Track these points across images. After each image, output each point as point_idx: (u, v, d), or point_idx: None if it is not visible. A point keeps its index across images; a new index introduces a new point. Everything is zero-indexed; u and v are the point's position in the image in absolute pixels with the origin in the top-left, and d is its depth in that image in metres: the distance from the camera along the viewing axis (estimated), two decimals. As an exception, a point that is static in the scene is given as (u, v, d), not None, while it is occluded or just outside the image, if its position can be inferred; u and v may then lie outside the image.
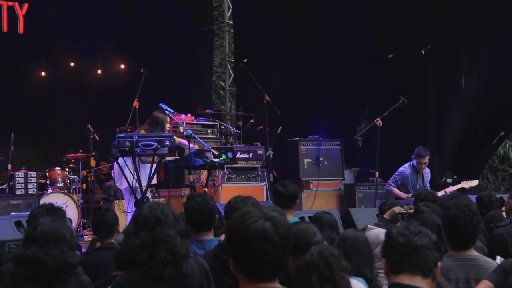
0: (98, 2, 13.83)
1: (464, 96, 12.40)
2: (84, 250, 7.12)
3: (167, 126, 8.97)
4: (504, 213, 5.96)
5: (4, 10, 13.04)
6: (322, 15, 13.11)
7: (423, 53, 11.81)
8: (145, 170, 8.16)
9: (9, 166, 10.96)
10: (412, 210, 5.83)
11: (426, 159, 9.82)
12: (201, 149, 9.01)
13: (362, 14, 12.62)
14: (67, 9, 13.46)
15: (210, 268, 3.88)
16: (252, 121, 12.44)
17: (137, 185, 7.99)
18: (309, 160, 11.77)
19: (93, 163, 11.31)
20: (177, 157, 9.20)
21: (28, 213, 7.39)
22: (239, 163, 10.66)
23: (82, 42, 13.72)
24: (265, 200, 10.43)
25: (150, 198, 8.53)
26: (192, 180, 8.77)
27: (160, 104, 8.93)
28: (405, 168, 9.89)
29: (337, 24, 12.93)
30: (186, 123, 10.87)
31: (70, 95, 13.66)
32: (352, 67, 13.14)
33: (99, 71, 14.70)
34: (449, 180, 11.52)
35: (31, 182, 10.61)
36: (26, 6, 13.18)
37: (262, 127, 11.81)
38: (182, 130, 10.68)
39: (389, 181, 10.00)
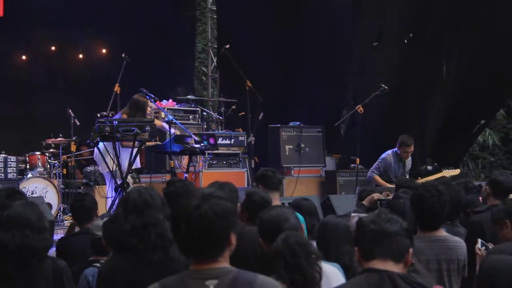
0: (80, -14, 13.73)
1: (445, 83, 12.44)
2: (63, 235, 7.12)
3: (148, 109, 8.97)
4: (481, 199, 6.00)
5: (-16, -8, 12.90)
6: (306, 2, 13.08)
7: (406, 41, 11.83)
8: (126, 155, 8.14)
9: (-11, 151, 10.89)
10: (391, 197, 5.87)
11: (411, 148, 9.79)
12: (181, 135, 9.01)
13: (347, 1, 12.62)
14: (48, -9, 13.34)
15: None
16: (234, 107, 12.43)
17: (118, 170, 7.98)
18: (291, 146, 11.78)
19: (73, 148, 11.24)
20: (158, 143, 9.17)
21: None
22: (220, 149, 10.66)
23: (63, 26, 13.60)
24: (246, 186, 10.45)
25: (131, 183, 8.52)
26: (172, 166, 8.75)
27: (141, 89, 8.91)
28: (388, 155, 9.84)
29: (321, 10, 12.90)
30: (168, 109, 10.84)
31: (51, 79, 13.59)
32: (335, 53, 13.13)
33: (80, 56, 14.61)
34: (429, 167, 11.59)
35: (11, 167, 10.53)
36: (6, -12, 13.04)
37: (244, 113, 11.80)
38: (163, 116, 10.65)
39: (371, 168, 9.94)
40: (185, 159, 9.94)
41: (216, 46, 15.46)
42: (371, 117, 11.13)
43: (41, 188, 10.48)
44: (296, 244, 3.24)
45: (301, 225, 3.62)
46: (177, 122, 9.35)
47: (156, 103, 9.90)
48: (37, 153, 11.06)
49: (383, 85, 10.36)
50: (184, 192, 4.47)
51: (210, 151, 9.53)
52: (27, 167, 10.90)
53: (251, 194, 4.77)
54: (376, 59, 12.23)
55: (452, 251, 4.23)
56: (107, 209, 8.22)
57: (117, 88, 10.43)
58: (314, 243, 3.90)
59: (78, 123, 11.30)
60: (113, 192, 8.23)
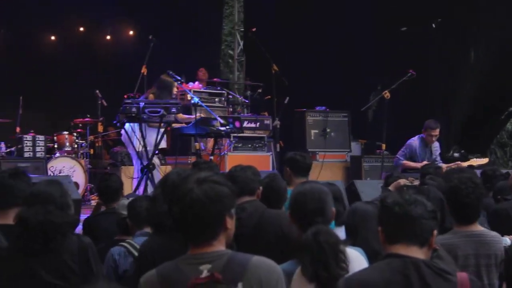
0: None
1: (473, 70, 12.32)
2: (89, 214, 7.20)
3: (174, 90, 9.01)
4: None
5: (12, -26, 13.02)
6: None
7: (433, 26, 11.72)
8: (153, 135, 8.18)
9: (18, 129, 11.00)
10: (417, 183, 5.84)
11: (437, 131, 9.72)
12: (207, 117, 9.03)
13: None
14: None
15: None
16: (260, 90, 12.42)
17: (144, 151, 8.03)
18: (316, 131, 11.77)
19: (100, 128, 11.34)
20: (183, 125, 9.21)
21: (36, 176, 7.47)
22: (245, 133, 10.67)
23: (91, 7, 13.68)
24: (271, 169, 10.46)
25: (157, 164, 8.57)
26: (198, 148, 8.78)
27: (168, 71, 8.94)
28: (413, 140, 9.78)
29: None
30: (194, 91, 10.86)
31: (79, 60, 13.67)
32: (363, 39, 13.05)
33: (108, 37, 14.68)
34: (456, 154, 11.51)
35: (39, 146, 10.63)
36: (34, -31, 13.14)
37: (269, 97, 11.79)
38: (189, 98, 10.68)
39: (397, 155, 9.87)
40: (210, 142, 9.97)
41: (242, 29, 15.44)
42: (398, 102, 11.06)
43: (68, 168, 10.58)
44: (326, 242, 3.23)
45: (333, 210, 3.59)
46: (203, 104, 9.36)
47: (183, 85, 9.92)
48: (65, 132, 11.17)
49: (410, 71, 10.28)
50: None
51: (235, 134, 9.54)
52: (55, 146, 11.01)
53: (271, 181, 4.77)
54: (403, 43, 12.13)
55: (490, 246, 4.12)
56: (133, 189, 8.28)
57: (144, 70, 10.46)
58: (341, 229, 3.90)
59: (105, 104, 11.38)
60: (139, 172, 8.29)
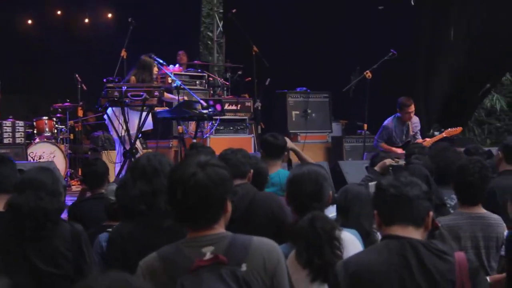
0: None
1: (452, 47, 12.35)
2: (71, 198, 7.14)
3: (155, 70, 8.98)
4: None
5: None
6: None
7: (412, 3, 11.73)
8: (136, 118, 8.13)
9: (-4, 115, 10.89)
10: (403, 163, 5.85)
11: (412, 108, 9.63)
12: (190, 100, 8.99)
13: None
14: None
15: None
16: (240, 72, 12.38)
17: (126, 136, 7.97)
18: (297, 112, 11.74)
19: (80, 113, 11.25)
20: (166, 108, 9.16)
21: (18, 162, 7.39)
22: (227, 115, 10.64)
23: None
24: (253, 151, 10.45)
25: (139, 149, 8.53)
26: (181, 131, 8.74)
27: (150, 54, 8.89)
28: (388, 122, 9.69)
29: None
30: (175, 74, 10.80)
31: (58, 44, 13.51)
32: (343, 19, 13.03)
33: (86, 20, 14.53)
34: (436, 133, 11.54)
35: (19, 132, 10.51)
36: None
37: (250, 79, 11.75)
38: (170, 81, 10.63)
39: (375, 137, 9.85)
40: (192, 125, 9.93)
41: (221, 11, 15.36)
42: (378, 82, 11.07)
43: (48, 153, 10.50)
44: (322, 229, 3.23)
45: (329, 193, 3.59)
46: (186, 87, 9.32)
47: (164, 68, 9.86)
48: (44, 118, 11.06)
49: (392, 50, 10.28)
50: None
51: (218, 117, 9.52)
52: (35, 132, 10.90)
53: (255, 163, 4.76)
54: (384, 23, 12.14)
55: (492, 229, 4.18)
56: (115, 174, 8.23)
57: (123, 53, 10.38)
58: (330, 209, 3.90)
59: (85, 88, 11.28)
60: (122, 157, 8.24)
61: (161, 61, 9.05)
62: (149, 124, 8.70)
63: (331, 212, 3.91)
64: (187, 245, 2.59)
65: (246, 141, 10.74)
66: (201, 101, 8.79)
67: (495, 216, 4.29)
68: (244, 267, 2.54)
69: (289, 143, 6.08)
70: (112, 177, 7.38)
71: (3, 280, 2.33)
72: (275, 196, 4.47)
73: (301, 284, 3.28)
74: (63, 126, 11.25)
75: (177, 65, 11.80)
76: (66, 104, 11.37)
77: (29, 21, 14.08)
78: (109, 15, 14.60)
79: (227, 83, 12.39)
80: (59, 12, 14.29)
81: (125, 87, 7.83)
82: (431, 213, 2.80)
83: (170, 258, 2.58)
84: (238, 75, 12.36)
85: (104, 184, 5.48)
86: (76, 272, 3.76)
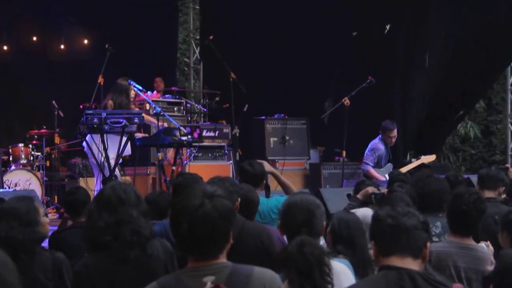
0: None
1: (428, 74, 12.46)
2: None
3: (132, 93, 8.95)
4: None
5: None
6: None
7: (387, 29, 11.84)
8: (114, 147, 8.07)
9: (-29, 142, 10.77)
10: (385, 191, 5.86)
11: (395, 132, 9.73)
12: (170, 127, 8.96)
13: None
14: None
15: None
16: (217, 98, 12.37)
17: (106, 162, 7.90)
18: (275, 139, 11.76)
19: (57, 139, 11.16)
20: (145, 135, 9.10)
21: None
22: (205, 141, 10.61)
23: (44, 16, 13.46)
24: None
25: (118, 176, 8.46)
26: (160, 158, 8.69)
27: (129, 80, 8.86)
28: (377, 144, 9.70)
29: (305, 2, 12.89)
30: (152, 100, 10.76)
31: (34, 70, 13.43)
32: (319, 45, 13.11)
33: (62, 46, 14.46)
34: (413, 160, 11.60)
35: (-5, 159, 10.43)
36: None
37: (227, 105, 11.74)
38: (148, 108, 10.58)
39: (364, 159, 9.73)
40: (170, 152, 9.88)
41: (198, 37, 15.38)
42: (355, 109, 11.13)
43: (24, 180, 10.39)
44: (310, 254, 3.21)
45: (323, 223, 3.57)
46: (166, 114, 9.29)
47: (143, 94, 9.83)
48: (20, 144, 10.97)
49: (370, 77, 10.34)
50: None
51: (197, 144, 9.49)
52: (10, 159, 10.78)
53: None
54: (358, 49, 12.23)
55: (482, 262, 4.16)
56: (94, 201, 8.13)
57: (100, 79, 10.33)
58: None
59: (61, 114, 11.19)
60: (101, 185, 8.15)
61: (139, 87, 9.01)
62: (127, 150, 8.64)
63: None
64: (188, 275, 2.55)
65: (224, 168, 10.70)
66: (182, 128, 8.76)
67: (485, 249, 4.28)
68: None
69: (268, 167, 6.02)
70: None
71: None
72: (264, 226, 4.45)
73: None
74: (39, 153, 11.14)
75: (154, 92, 11.77)
76: (43, 130, 11.27)
77: (5, 47, 13.99)
78: (85, 41, 14.54)
79: (205, 110, 12.37)
80: (34, 38, 14.22)
81: (105, 114, 7.77)
82: (428, 244, 2.79)
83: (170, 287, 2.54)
84: (215, 101, 12.35)
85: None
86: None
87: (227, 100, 11.62)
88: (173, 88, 12.59)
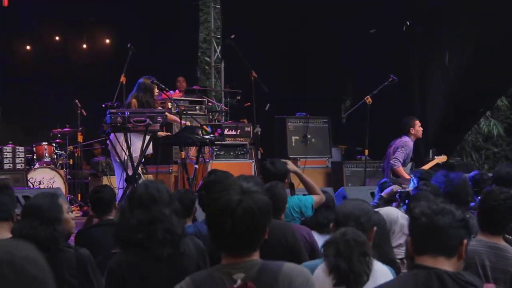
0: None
1: (448, 72, 12.39)
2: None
3: (155, 91, 9.00)
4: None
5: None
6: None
7: (406, 25, 11.79)
8: (137, 143, 8.10)
9: (-4, 141, 10.85)
10: (410, 189, 5.85)
11: (419, 122, 9.80)
12: (192, 126, 8.98)
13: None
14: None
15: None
16: (239, 97, 12.37)
17: (129, 161, 7.94)
18: (297, 137, 11.75)
19: (80, 138, 11.22)
20: (168, 133, 9.13)
21: (16, 188, 7.35)
22: (227, 140, 10.62)
23: (67, 16, 13.55)
24: (253, 177, 10.38)
25: (141, 174, 8.49)
26: (183, 156, 8.72)
27: (152, 79, 8.90)
28: (408, 142, 9.62)
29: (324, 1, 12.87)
30: (174, 99, 10.80)
31: (56, 69, 13.53)
32: (338, 44, 13.07)
33: (84, 46, 14.56)
34: (435, 157, 11.56)
35: (19, 157, 10.46)
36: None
37: (249, 104, 11.74)
38: (170, 106, 10.62)
39: (396, 156, 9.55)
40: (192, 150, 9.90)
41: (219, 36, 15.40)
42: (377, 107, 11.10)
43: (48, 178, 10.47)
44: (353, 240, 3.22)
45: (373, 229, 3.57)
46: (189, 113, 9.31)
47: (166, 93, 9.88)
48: (44, 143, 11.04)
49: (392, 76, 10.30)
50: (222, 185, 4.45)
51: (219, 142, 9.51)
52: (34, 157, 10.87)
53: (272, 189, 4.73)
54: (377, 48, 12.18)
55: (507, 262, 4.06)
56: (117, 200, 8.17)
57: (123, 79, 10.38)
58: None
59: (85, 113, 11.26)
60: (124, 183, 8.19)
61: (162, 86, 9.05)
62: (149, 149, 8.68)
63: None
64: (220, 271, 2.55)
65: (246, 166, 10.70)
66: (204, 127, 8.78)
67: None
68: None
69: (291, 166, 6.02)
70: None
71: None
72: (288, 223, 4.46)
73: None
74: (62, 152, 11.23)
75: (176, 91, 11.80)
76: (66, 129, 11.35)
77: (28, 47, 14.10)
78: (107, 41, 14.62)
79: (226, 108, 12.38)
80: (57, 38, 14.32)
81: (128, 113, 7.80)
82: (465, 241, 2.70)
83: (202, 283, 2.55)
84: (237, 100, 12.36)
85: (112, 211, 5.44)
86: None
87: (249, 98, 11.62)
88: (194, 87, 12.61)
